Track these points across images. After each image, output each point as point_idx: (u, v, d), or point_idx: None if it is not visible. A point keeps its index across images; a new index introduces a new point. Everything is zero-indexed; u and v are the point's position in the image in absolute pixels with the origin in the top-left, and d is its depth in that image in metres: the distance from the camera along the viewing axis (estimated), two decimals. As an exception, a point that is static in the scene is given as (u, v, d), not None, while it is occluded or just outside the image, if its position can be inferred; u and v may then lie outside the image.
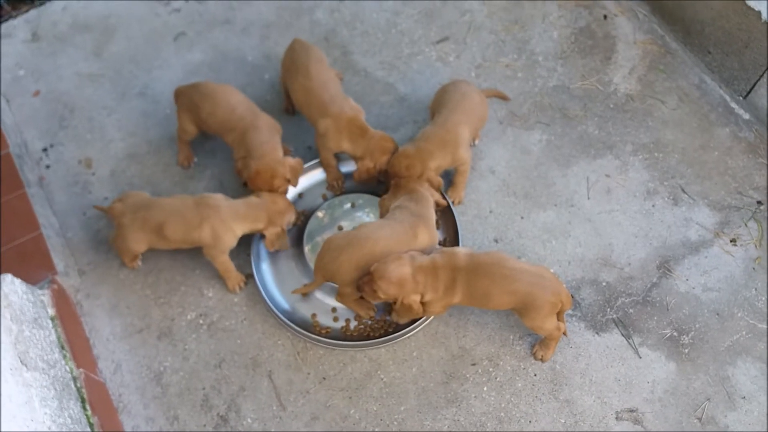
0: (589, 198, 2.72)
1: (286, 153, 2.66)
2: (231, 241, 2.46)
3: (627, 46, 3.05)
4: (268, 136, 2.56)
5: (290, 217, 2.54)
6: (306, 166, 2.73)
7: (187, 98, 2.64)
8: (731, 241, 2.62)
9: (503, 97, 2.92)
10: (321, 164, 2.72)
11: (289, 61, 2.70)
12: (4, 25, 3.22)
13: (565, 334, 2.34)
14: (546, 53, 3.05)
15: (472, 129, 2.63)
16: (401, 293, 2.23)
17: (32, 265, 2.48)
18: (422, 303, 2.27)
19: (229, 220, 2.43)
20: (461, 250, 2.28)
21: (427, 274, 2.23)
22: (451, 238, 2.60)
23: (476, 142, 2.82)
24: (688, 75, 2.97)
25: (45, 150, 2.92)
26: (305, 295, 2.54)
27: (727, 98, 2.91)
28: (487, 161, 2.81)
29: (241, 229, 2.46)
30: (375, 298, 2.27)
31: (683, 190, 2.73)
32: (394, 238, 2.31)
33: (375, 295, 2.25)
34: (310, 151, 2.85)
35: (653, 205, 2.70)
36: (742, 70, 2.83)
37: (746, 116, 2.86)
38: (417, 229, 2.34)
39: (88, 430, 2.17)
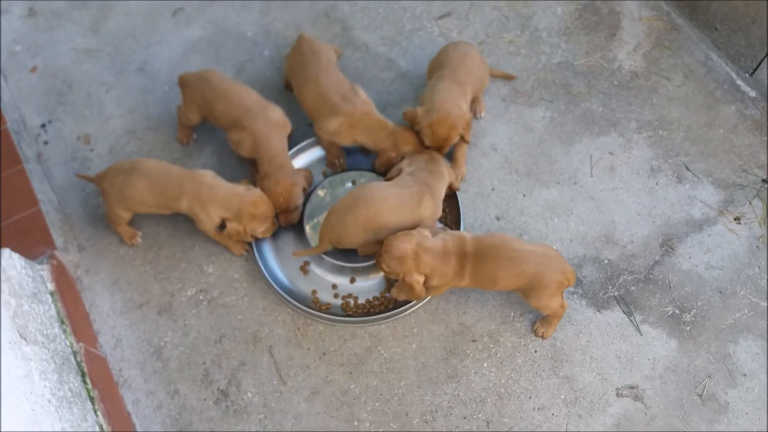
0: (592, 176, 2.70)
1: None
2: (208, 222, 2.42)
3: (632, 22, 3.01)
4: (278, 145, 2.52)
5: (259, 227, 2.43)
6: (306, 142, 2.71)
7: (198, 93, 2.59)
8: (735, 220, 2.60)
9: (509, 77, 2.89)
10: (320, 145, 2.70)
11: (298, 66, 2.64)
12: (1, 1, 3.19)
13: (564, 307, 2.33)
14: (550, 29, 3.01)
15: (473, 89, 2.61)
16: (402, 270, 2.22)
17: (31, 241, 2.47)
18: (428, 286, 2.26)
19: (206, 201, 2.39)
20: (466, 234, 2.26)
21: (436, 258, 2.20)
22: (453, 216, 2.58)
23: (482, 114, 2.79)
24: (694, 52, 2.94)
25: (43, 126, 2.90)
26: (306, 272, 2.53)
27: (733, 75, 2.87)
28: (489, 138, 2.78)
29: (216, 214, 2.41)
30: (384, 271, 2.27)
31: (687, 168, 2.70)
32: (400, 201, 2.29)
33: (382, 267, 2.25)
34: (310, 128, 2.82)
35: (657, 183, 2.68)
36: (749, 47, 2.79)
37: (752, 93, 2.83)
38: (423, 197, 2.32)
39: (89, 403, 2.17)
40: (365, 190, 2.32)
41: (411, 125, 2.54)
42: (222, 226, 2.46)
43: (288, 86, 2.88)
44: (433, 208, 2.36)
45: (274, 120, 2.55)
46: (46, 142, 2.86)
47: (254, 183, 2.55)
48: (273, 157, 2.50)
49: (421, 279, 2.22)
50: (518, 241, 2.24)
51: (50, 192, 2.72)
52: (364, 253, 2.43)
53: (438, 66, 2.64)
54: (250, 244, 2.55)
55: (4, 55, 3.05)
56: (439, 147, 2.50)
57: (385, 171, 2.56)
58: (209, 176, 2.44)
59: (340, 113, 2.52)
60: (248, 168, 2.69)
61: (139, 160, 2.48)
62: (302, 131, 2.80)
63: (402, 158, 2.52)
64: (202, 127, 2.84)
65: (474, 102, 2.75)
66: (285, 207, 2.48)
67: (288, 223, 2.53)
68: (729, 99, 2.83)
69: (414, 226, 2.32)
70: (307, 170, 2.58)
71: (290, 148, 2.68)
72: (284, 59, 2.83)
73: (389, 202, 2.29)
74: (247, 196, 2.40)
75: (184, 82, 2.63)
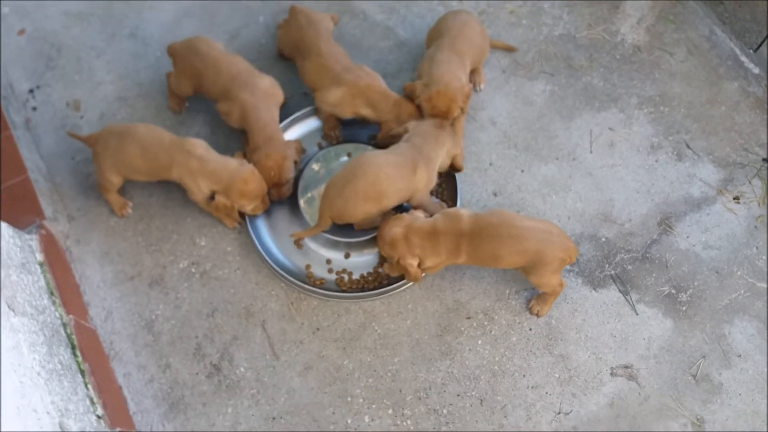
0: (591, 152, 2.66)
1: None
2: (198, 193, 2.38)
3: (636, -6, 2.95)
4: (267, 116, 2.46)
5: (248, 204, 2.38)
6: (301, 113, 2.66)
7: (188, 64, 2.52)
8: (734, 199, 2.57)
9: (509, 48, 2.82)
10: (318, 116, 2.64)
11: (297, 40, 2.57)
12: (-13, -41, 3.08)
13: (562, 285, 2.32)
14: (552, 0, 2.94)
15: (472, 60, 2.56)
16: (395, 254, 2.23)
17: (19, 210, 2.42)
18: (423, 267, 2.25)
19: (196, 172, 2.34)
20: (464, 212, 2.23)
21: (425, 239, 2.20)
22: (450, 191, 2.54)
23: (482, 86, 2.74)
24: (699, 26, 2.88)
25: (31, 91, 2.82)
26: (300, 246, 2.49)
27: (737, 51, 2.82)
28: (488, 112, 2.73)
29: (206, 186, 2.36)
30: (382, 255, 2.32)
31: (688, 146, 2.67)
32: (396, 168, 2.26)
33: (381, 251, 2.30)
34: (305, 98, 2.76)
35: (656, 161, 2.64)
36: (754, 22, 2.73)
37: (756, 70, 2.78)
38: (417, 165, 2.29)
39: (79, 376, 2.15)
40: (361, 159, 2.28)
41: (410, 99, 2.48)
42: (212, 197, 2.41)
43: (281, 55, 2.80)
44: (427, 177, 2.33)
45: (264, 89, 2.49)
46: (34, 108, 2.79)
47: (245, 155, 2.49)
48: (262, 127, 2.44)
49: (415, 262, 2.22)
50: (520, 217, 2.21)
51: (39, 160, 2.66)
52: (360, 228, 2.40)
53: (437, 35, 2.58)
54: (243, 218, 2.51)
55: (-9, 17, 2.96)
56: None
57: (385, 145, 2.51)
58: (201, 147, 2.38)
59: (342, 83, 2.46)
60: (240, 138, 2.63)
61: (132, 125, 2.42)
62: (296, 101, 2.74)
63: (405, 131, 2.46)
64: (194, 95, 2.77)
65: (473, 73, 2.69)
66: (276, 181, 2.44)
67: (280, 197, 2.48)
68: (732, 75, 2.78)
69: (410, 195, 2.32)
70: (297, 142, 2.53)
71: (284, 118, 2.62)
72: (277, 28, 2.75)
73: (386, 169, 2.26)
74: (239, 172, 2.34)
75: (173, 53, 2.56)
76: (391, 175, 2.26)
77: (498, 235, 2.16)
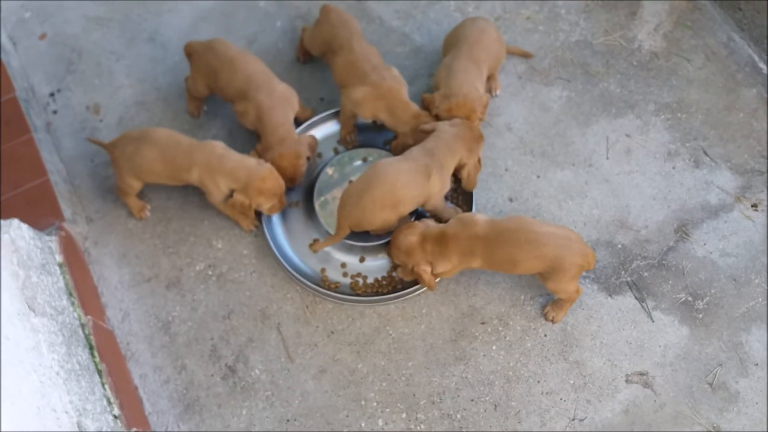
0: (607, 158, 2.65)
1: (305, 115, 2.64)
2: (217, 193, 2.40)
3: (653, 0, 2.93)
4: (282, 117, 2.48)
5: (266, 203, 2.40)
6: (318, 117, 2.67)
7: (204, 62, 2.54)
8: (752, 206, 2.55)
9: (526, 55, 2.82)
10: (339, 119, 2.65)
11: (329, 37, 2.58)
12: (10, -36, 3.13)
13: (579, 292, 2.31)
14: (569, 6, 2.94)
15: (490, 67, 2.57)
16: (411, 261, 2.25)
17: (39, 212, 2.45)
18: (435, 273, 2.26)
19: (215, 171, 2.36)
20: (480, 216, 2.24)
21: (435, 244, 2.21)
22: (465, 196, 2.54)
23: (498, 92, 2.74)
24: (717, 32, 2.86)
25: (52, 95, 2.86)
26: (316, 251, 2.50)
27: (756, 58, 2.80)
28: (504, 117, 2.73)
29: (224, 184, 2.38)
30: (396, 263, 2.32)
31: (705, 153, 2.65)
32: (410, 175, 2.27)
33: (394, 260, 2.30)
34: (322, 103, 2.78)
35: (673, 167, 2.63)
36: (773, 29, 2.72)
37: (774, 77, 2.77)
38: (431, 172, 2.29)
39: (96, 376, 2.17)
40: (376, 168, 2.29)
41: (428, 110, 2.49)
42: (230, 196, 2.44)
43: (299, 58, 2.82)
44: (441, 183, 2.34)
45: (280, 92, 2.51)
46: (55, 112, 2.83)
47: (259, 154, 2.51)
48: (275, 127, 2.46)
49: (429, 268, 2.23)
50: (538, 223, 2.21)
51: (59, 162, 2.70)
52: (377, 233, 2.41)
53: (454, 42, 2.59)
54: (259, 220, 2.52)
55: (14, 22, 3.00)
56: None
57: (399, 152, 2.51)
58: (219, 147, 2.41)
59: (367, 82, 2.47)
60: (256, 141, 2.65)
61: (149, 129, 2.44)
62: (315, 105, 2.76)
63: (434, 129, 2.42)
64: (212, 99, 2.79)
65: (489, 79, 2.70)
66: (291, 178, 2.47)
67: (291, 186, 2.52)
68: (750, 82, 2.76)
69: (425, 201, 2.33)
70: (310, 137, 2.54)
71: (301, 123, 2.64)
72: (302, 31, 2.76)
73: (402, 177, 2.27)
74: (257, 171, 2.36)
75: (191, 51, 2.59)
76: (407, 182, 2.27)
77: (516, 240, 2.16)
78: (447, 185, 2.38)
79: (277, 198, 2.42)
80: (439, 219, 2.40)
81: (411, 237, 2.23)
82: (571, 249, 2.16)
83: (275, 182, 2.39)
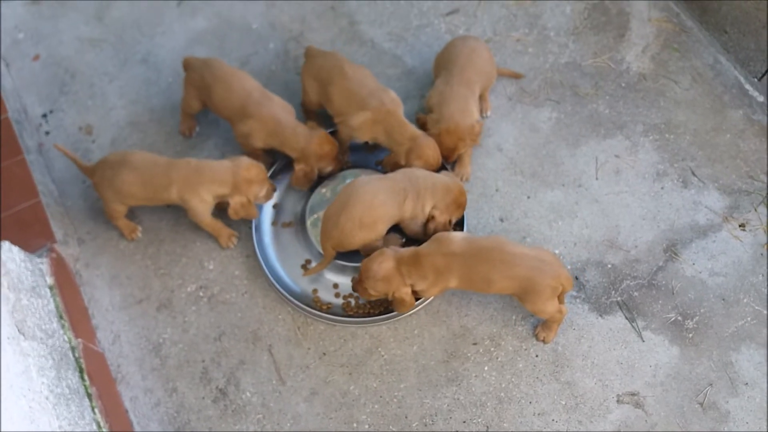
0: (597, 178, 2.68)
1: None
2: (200, 206, 2.40)
3: (641, 23, 2.98)
4: (294, 121, 2.53)
5: (260, 191, 2.43)
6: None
7: (198, 76, 2.57)
8: (740, 226, 2.58)
9: (516, 76, 2.86)
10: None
11: (322, 72, 2.54)
12: (4, -14, 3.15)
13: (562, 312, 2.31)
14: (558, 28, 2.98)
15: (481, 87, 2.61)
16: (390, 288, 2.24)
17: (31, 233, 2.45)
18: (415, 292, 2.26)
19: (195, 184, 2.37)
20: (458, 234, 2.25)
21: (410, 265, 2.22)
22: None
23: (488, 113, 2.77)
24: (703, 55, 2.91)
25: (45, 116, 2.87)
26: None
27: (742, 80, 2.84)
28: (494, 138, 2.75)
29: (208, 193, 2.39)
30: (369, 296, 2.28)
31: (693, 173, 2.68)
32: (388, 194, 2.29)
33: (367, 293, 2.26)
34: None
35: (662, 188, 2.66)
36: (759, 51, 2.76)
37: (760, 99, 2.80)
38: (407, 195, 2.31)
39: (87, 400, 2.16)
40: (353, 187, 2.31)
41: (423, 129, 2.52)
42: (224, 209, 2.44)
43: (308, 110, 2.72)
44: (412, 211, 2.34)
45: (280, 104, 2.54)
46: (47, 133, 2.83)
47: (291, 180, 2.58)
48: (294, 128, 2.49)
49: (409, 290, 2.24)
50: (514, 244, 2.22)
51: (51, 184, 2.70)
52: (367, 253, 2.42)
53: (445, 62, 2.62)
54: (251, 241, 2.53)
55: (7, 43, 3.02)
56: (446, 156, 2.52)
57: (390, 170, 2.53)
58: (193, 161, 2.42)
59: (366, 108, 2.48)
60: (262, 161, 2.60)
61: (128, 152, 2.45)
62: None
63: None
64: (205, 119, 2.81)
65: (480, 100, 2.72)
66: (334, 157, 2.55)
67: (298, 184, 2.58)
68: (737, 103, 2.80)
69: (399, 221, 2.35)
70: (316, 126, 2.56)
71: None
72: (302, 78, 2.63)
73: (379, 196, 2.28)
74: (238, 165, 2.39)
75: (187, 65, 2.62)
76: (385, 200, 2.28)
77: (491, 258, 2.17)
78: (419, 217, 2.37)
79: (267, 182, 2.46)
80: (413, 242, 2.40)
81: (386, 264, 2.21)
82: (543, 271, 2.16)
83: (255, 168, 2.41)
